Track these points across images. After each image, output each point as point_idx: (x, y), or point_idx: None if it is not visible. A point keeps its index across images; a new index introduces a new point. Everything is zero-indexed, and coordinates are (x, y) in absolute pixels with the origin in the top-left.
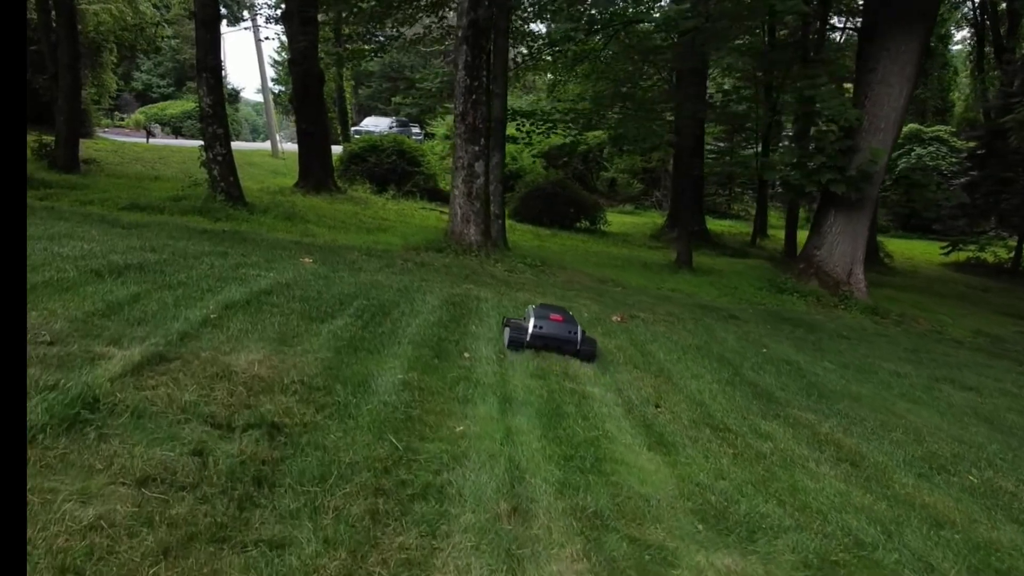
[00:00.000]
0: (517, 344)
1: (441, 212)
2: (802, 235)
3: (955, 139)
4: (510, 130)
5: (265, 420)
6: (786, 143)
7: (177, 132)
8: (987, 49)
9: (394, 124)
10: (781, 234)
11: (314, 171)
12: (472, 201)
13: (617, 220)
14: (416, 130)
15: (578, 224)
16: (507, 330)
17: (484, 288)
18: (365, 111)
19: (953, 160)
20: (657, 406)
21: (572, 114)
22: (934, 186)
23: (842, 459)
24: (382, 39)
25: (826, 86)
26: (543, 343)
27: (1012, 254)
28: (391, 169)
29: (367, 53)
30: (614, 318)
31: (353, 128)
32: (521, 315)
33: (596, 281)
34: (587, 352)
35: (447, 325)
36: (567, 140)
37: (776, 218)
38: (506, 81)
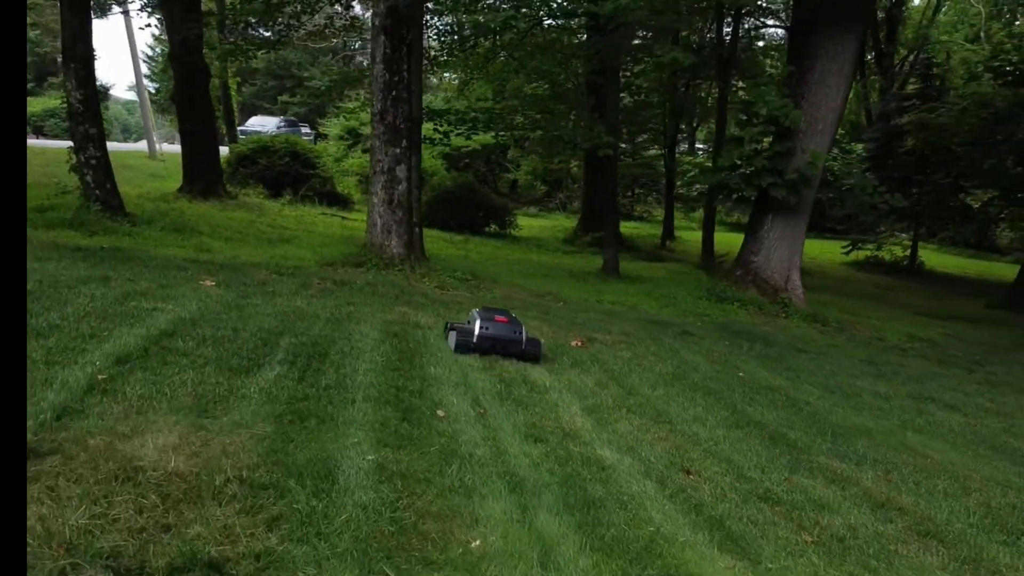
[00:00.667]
0: (464, 348)
1: (344, 219)
2: (719, 237)
3: (844, 141)
4: (426, 130)
5: (198, 556)
6: (704, 148)
7: (39, 132)
8: (867, 56)
9: (282, 124)
10: (688, 236)
11: (201, 175)
12: (394, 209)
13: (525, 223)
14: (306, 130)
15: (487, 228)
16: (453, 334)
17: (421, 311)
18: (249, 110)
19: (847, 160)
20: (688, 472)
21: (488, 114)
22: (871, 188)
23: (921, 531)
24: (280, 30)
25: (766, 86)
26: (490, 344)
27: (908, 252)
28: (284, 172)
29: (264, 46)
30: (574, 343)
31: (239, 128)
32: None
33: (534, 295)
34: (532, 353)
35: (399, 367)
36: (495, 140)
37: (678, 219)
38: (421, 78)
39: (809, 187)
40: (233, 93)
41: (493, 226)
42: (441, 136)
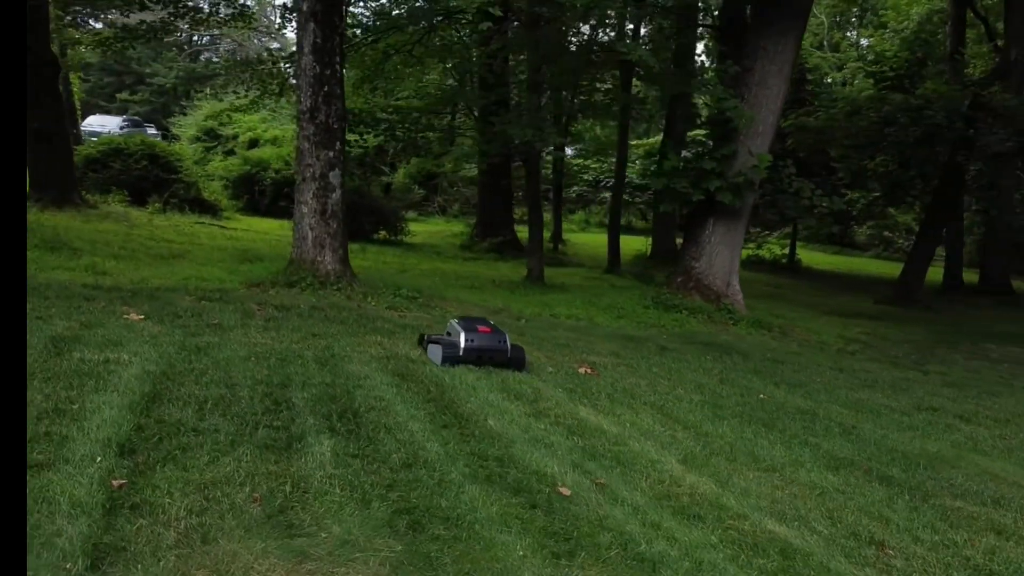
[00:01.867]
0: (452, 361)
1: (223, 228)
2: (595, 239)
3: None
4: None
5: None
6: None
7: None
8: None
9: (125, 124)
10: (575, 239)
11: (53, 181)
12: (327, 220)
13: (413, 229)
14: (152, 131)
15: (376, 235)
16: (437, 347)
17: (398, 340)
18: (87, 109)
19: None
20: (881, 546)
21: (402, 113)
22: (808, 191)
23: None
24: (164, 19)
25: (715, 86)
26: (476, 356)
27: (785, 251)
28: (143, 177)
29: (140, 36)
30: (580, 369)
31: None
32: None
33: (490, 312)
34: (517, 359)
35: (447, 421)
36: (382, 140)
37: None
38: (343, 72)
39: (752, 190)
40: (76, 90)
41: (383, 232)
42: (358, 137)
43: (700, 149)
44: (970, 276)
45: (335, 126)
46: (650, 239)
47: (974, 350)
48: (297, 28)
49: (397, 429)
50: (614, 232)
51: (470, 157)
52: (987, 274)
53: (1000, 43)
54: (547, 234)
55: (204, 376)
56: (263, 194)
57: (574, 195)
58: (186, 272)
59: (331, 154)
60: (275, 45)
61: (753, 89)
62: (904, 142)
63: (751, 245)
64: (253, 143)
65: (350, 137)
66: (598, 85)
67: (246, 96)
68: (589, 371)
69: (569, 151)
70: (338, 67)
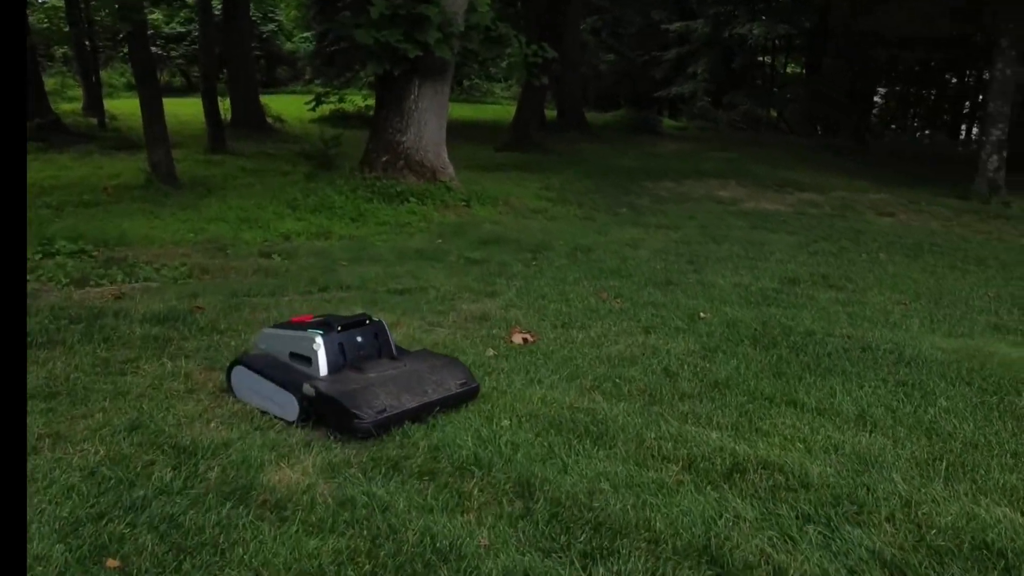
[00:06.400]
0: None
1: None
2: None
3: None
4: None
5: None
6: None
7: None
8: None
9: None
10: (115, 107)
11: None
12: None
13: None
14: None
15: None
16: (291, 396)
17: None
18: None
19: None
20: None
21: None
22: (515, 38)
23: None
24: None
25: None
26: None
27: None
28: None
29: None
30: (516, 338)
31: None
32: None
33: (208, 253)
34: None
35: None
36: None
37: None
38: None
39: (458, 40)
40: None
41: None
42: None
43: None
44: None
45: None
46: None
47: (638, 189)
48: None
49: None
50: (211, 98)
51: None
52: (563, 109)
53: None
54: (71, 106)
55: None
56: None
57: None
58: None
59: None
60: None
61: None
62: None
63: (333, 99)
64: None
65: None
66: None
67: None
68: (529, 339)
69: None
70: None
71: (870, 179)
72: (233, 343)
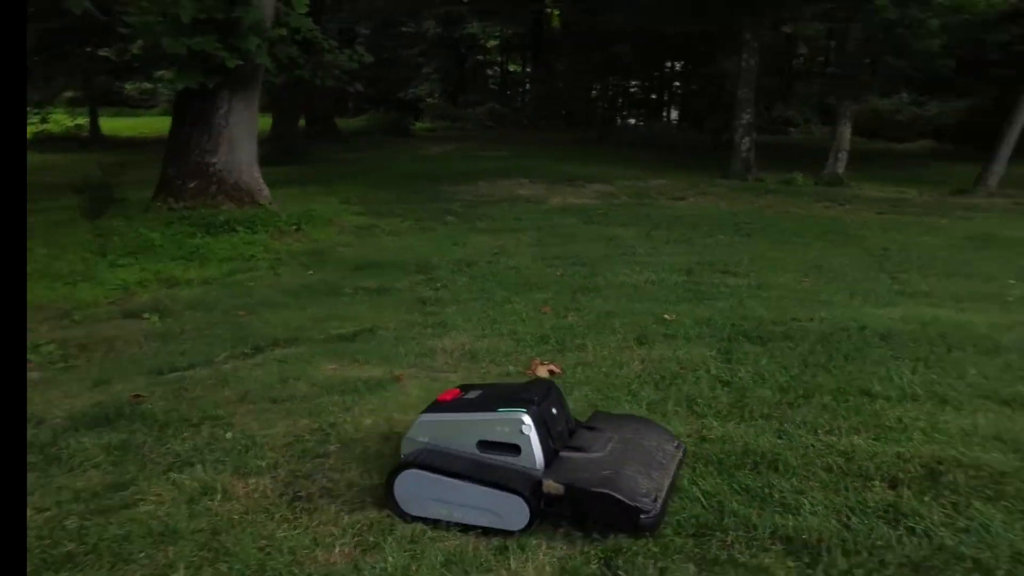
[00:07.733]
0: (647, 527)
1: None
2: None
3: None
4: None
5: None
6: None
7: None
8: None
9: None
10: None
11: None
12: None
13: None
14: None
15: None
16: (516, 498)
17: None
18: None
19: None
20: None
21: None
22: (326, 42)
23: None
24: None
25: None
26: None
27: (81, 121)
28: None
29: None
30: (541, 369)
31: None
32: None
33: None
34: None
35: None
36: None
37: None
38: None
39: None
40: None
41: None
42: None
43: None
44: None
45: None
46: None
47: (442, 195)
48: None
49: None
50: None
51: None
52: (313, 118)
53: None
54: None
55: None
56: None
57: None
58: None
59: None
60: None
61: None
62: None
63: (35, 119)
64: None
65: None
66: None
67: None
68: (555, 370)
69: None
70: None
71: (638, 167)
72: (229, 435)
